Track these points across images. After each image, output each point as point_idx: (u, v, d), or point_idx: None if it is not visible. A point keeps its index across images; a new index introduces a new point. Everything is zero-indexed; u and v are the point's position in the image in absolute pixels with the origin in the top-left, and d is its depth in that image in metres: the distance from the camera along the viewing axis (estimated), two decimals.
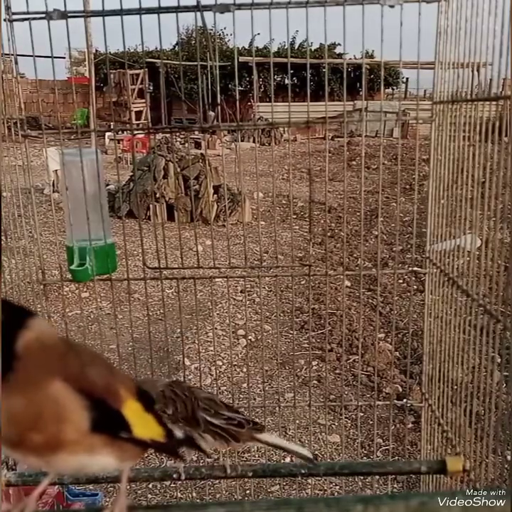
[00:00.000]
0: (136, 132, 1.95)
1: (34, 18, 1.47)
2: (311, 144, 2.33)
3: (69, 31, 1.49)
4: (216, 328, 4.67)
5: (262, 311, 4.97)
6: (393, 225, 7.39)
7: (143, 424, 0.92)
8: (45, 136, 1.65)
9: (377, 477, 2.57)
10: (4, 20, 1.47)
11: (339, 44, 12.35)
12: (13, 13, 1.48)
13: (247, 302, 5.18)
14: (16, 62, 1.60)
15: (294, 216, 8.24)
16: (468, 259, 1.47)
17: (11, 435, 0.79)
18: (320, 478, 2.78)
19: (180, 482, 2.79)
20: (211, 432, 1.31)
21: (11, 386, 0.77)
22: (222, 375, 3.97)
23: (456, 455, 1.52)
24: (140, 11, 1.47)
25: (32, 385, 0.79)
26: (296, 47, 17.84)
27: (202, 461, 2.00)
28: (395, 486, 2.84)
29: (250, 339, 4.45)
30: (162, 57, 10.12)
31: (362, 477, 2.64)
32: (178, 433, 1.23)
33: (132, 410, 0.90)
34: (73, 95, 17.49)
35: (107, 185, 7.35)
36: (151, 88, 18.35)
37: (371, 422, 3.26)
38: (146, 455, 2.80)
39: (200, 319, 4.70)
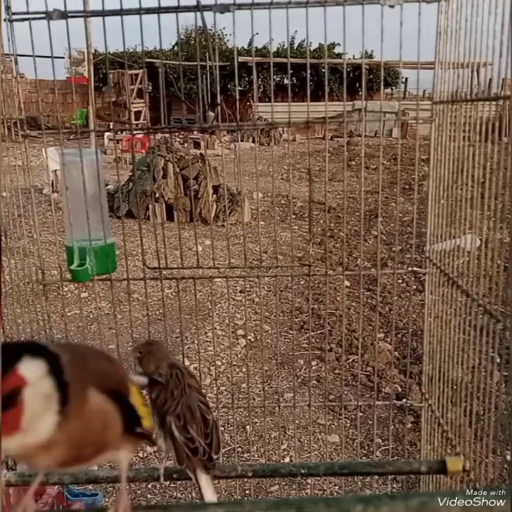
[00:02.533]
0: (135, 132, 1.94)
1: (34, 18, 1.46)
2: (310, 144, 2.33)
3: (69, 31, 1.49)
4: (215, 328, 4.67)
5: (262, 311, 4.97)
6: (393, 225, 7.39)
7: (145, 415, 0.94)
8: (45, 136, 1.65)
9: (377, 477, 2.57)
10: (4, 20, 1.47)
11: (339, 44, 12.35)
12: (13, 13, 1.48)
13: (247, 302, 5.18)
14: (16, 62, 1.60)
15: (294, 216, 8.24)
16: (468, 259, 1.47)
17: (67, 459, 0.78)
18: (319, 478, 2.78)
19: (180, 482, 2.79)
20: (167, 440, 1.29)
21: (70, 414, 0.77)
22: (221, 375, 3.97)
23: (456, 455, 1.52)
24: (140, 11, 1.47)
25: (80, 402, 0.79)
26: (295, 47, 17.84)
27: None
28: (395, 486, 2.84)
29: (250, 339, 4.45)
30: (161, 57, 10.13)
31: (361, 477, 2.64)
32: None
33: (137, 401, 0.91)
34: (73, 95, 17.51)
35: (107, 185, 7.35)
36: (151, 88, 18.33)
37: (371, 422, 3.26)
38: (146, 455, 2.80)
39: (200, 319, 4.70)
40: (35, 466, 0.81)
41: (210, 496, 1.23)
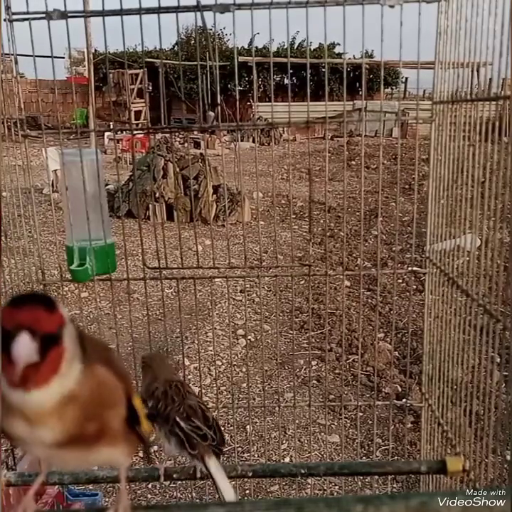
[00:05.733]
0: (135, 132, 1.94)
1: (34, 18, 1.47)
2: (310, 144, 2.33)
3: (69, 31, 1.49)
4: (216, 328, 4.67)
5: (262, 311, 4.97)
6: (393, 224, 7.39)
7: (144, 419, 0.93)
8: (45, 136, 1.65)
9: (377, 477, 2.57)
10: (4, 20, 1.47)
11: (339, 44, 12.33)
12: (13, 13, 1.48)
13: (247, 302, 5.18)
14: (16, 62, 1.60)
15: (294, 216, 8.24)
16: (468, 259, 1.47)
17: (71, 432, 0.75)
18: (320, 478, 2.78)
19: (180, 482, 2.79)
20: (175, 435, 1.31)
21: (88, 366, 0.76)
22: (221, 375, 3.97)
23: (456, 455, 1.52)
24: (140, 11, 1.47)
25: (91, 366, 0.77)
26: (295, 47, 17.82)
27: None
28: (395, 486, 2.84)
29: (250, 339, 4.45)
30: (161, 57, 10.12)
31: (361, 477, 2.63)
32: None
33: (138, 404, 0.91)
34: (73, 95, 17.50)
35: (107, 185, 7.34)
36: (151, 88, 18.32)
37: (371, 422, 3.26)
38: (146, 455, 2.80)
39: (200, 319, 4.70)
40: (39, 437, 0.75)
41: (221, 479, 1.26)
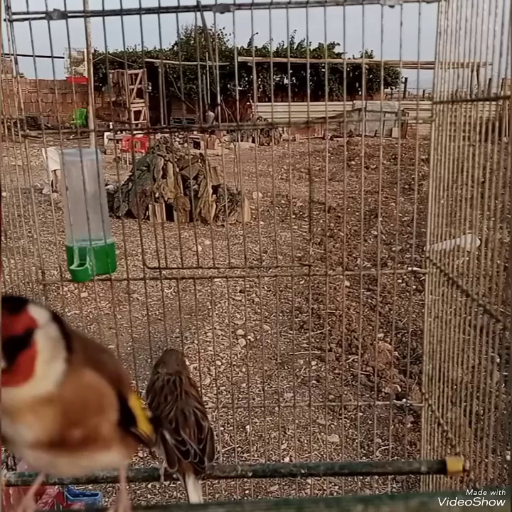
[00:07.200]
0: (135, 132, 1.95)
1: (34, 18, 1.47)
2: (310, 144, 2.33)
3: (69, 31, 1.49)
4: (215, 328, 4.67)
5: (262, 311, 4.97)
6: (392, 224, 7.39)
7: (142, 419, 0.92)
8: (45, 136, 1.65)
9: (377, 477, 2.57)
10: (4, 20, 1.47)
11: (338, 44, 12.33)
12: (13, 13, 1.48)
13: (247, 302, 5.18)
14: (16, 62, 1.60)
15: (293, 216, 8.24)
16: (467, 259, 1.47)
17: (52, 433, 0.75)
18: (319, 478, 2.78)
19: (179, 482, 2.79)
20: (159, 444, 1.28)
21: (73, 368, 0.76)
22: (221, 375, 3.97)
23: (456, 455, 1.52)
24: (140, 11, 1.47)
25: (78, 370, 0.77)
26: (295, 47, 17.83)
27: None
28: (395, 486, 2.84)
29: (249, 339, 4.45)
30: (161, 57, 10.11)
31: (361, 477, 2.63)
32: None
33: (135, 405, 0.90)
34: (72, 95, 17.51)
35: (106, 185, 7.34)
36: (150, 88, 18.33)
37: (370, 422, 3.26)
38: (146, 455, 2.80)
39: (200, 319, 4.70)
40: (20, 436, 0.75)
41: (195, 499, 1.22)
